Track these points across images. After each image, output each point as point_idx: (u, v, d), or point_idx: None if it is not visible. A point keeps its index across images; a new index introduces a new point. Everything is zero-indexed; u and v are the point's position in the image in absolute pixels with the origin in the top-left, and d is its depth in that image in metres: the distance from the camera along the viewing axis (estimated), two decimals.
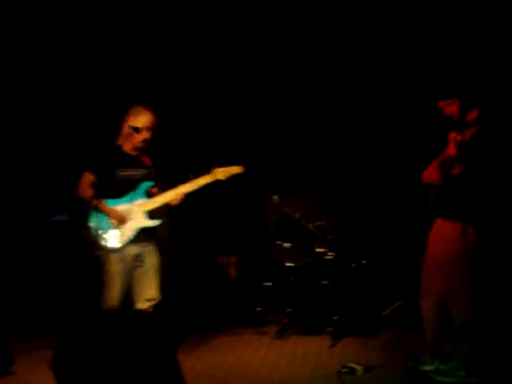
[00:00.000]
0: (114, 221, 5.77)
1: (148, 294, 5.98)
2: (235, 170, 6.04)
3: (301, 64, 8.74)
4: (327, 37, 8.34)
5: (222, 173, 5.97)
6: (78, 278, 7.74)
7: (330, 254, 7.34)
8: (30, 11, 7.61)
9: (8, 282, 7.92)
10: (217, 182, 6.08)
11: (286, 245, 7.60)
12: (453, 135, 5.53)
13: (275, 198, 7.83)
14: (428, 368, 5.56)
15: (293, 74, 8.84)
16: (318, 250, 7.41)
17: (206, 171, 5.99)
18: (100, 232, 5.81)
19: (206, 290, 8.42)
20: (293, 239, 7.58)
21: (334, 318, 6.91)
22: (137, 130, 5.88)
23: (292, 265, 7.45)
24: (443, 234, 5.54)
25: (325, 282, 7.20)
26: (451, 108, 5.55)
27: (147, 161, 6.13)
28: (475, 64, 7.19)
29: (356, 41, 8.28)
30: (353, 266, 7.27)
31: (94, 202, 5.74)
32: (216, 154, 6.07)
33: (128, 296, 5.99)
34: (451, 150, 5.45)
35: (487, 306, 5.61)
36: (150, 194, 6.04)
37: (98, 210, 5.74)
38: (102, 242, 5.80)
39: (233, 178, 6.04)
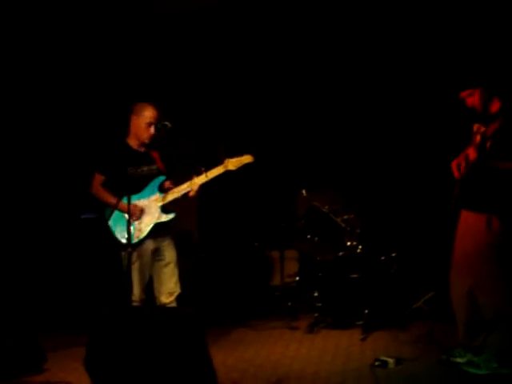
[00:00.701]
0: (134, 215, 5.80)
1: (169, 287, 6.05)
2: (246, 159, 5.99)
3: (324, 62, 8.75)
4: (350, 29, 8.31)
5: (233, 163, 5.95)
6: (107, 275, 7.78)
7: (359, 247, 7.31)
8: (32, 13, 7.65)
9: (39, 279, 7.99)
10: (246, 176, 6.06)
11: (316, 239, 7.60)
12: (476, 127, 5.52)
13: (303, 192, 7.81)
14: (460, 360, 5.52)
15: (317, 71, 8.83)
16: (347, 243, 7.39)
17: (217, 162, 5.99)
18: (118, 229, 5.88)
19: (237, 284, 8.46)
20: (322, 233, 7.58)
21: (365, 312, 6.89)
22: (148, 124, 5.96)
23: (322, 259, 7.43)
24: (469, 225, 5.52)
25: (355, 276, 7.18)
26: (473, 98, 5.52)
27: (156, 156, 6.18)
28: (498, 54, 7.14)
29: (377, 32, 8.23)
30: (382, 258, 7.24)
31: (113, 200, 5.79)
32: (216, 144, 6.04)
33: (149, 291, 6.06)
34: (471, 152, 5.44)
35: None
36: (163, 189, 6.07)
37: (117, 208, 5.77)
38: (120, 239, 5.86)
39: (261, 173, 6.03)
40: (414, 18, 7.94)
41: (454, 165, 5.67)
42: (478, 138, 5.48)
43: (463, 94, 5.57)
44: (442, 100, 7.55)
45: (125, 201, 5.61)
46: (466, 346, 5.55)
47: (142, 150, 6.10)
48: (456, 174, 5.61)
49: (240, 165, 5.98)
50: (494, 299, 5.40)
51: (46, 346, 6.39)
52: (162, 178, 6.10)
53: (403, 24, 8.03)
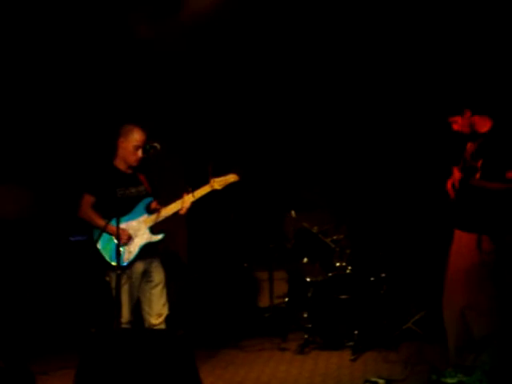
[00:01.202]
0: (122, 239, 5.79)
1: (158, 309, 6.04)
2: (231, 178, 6.02)
3: (314, 76, 8.77)
4: (334, 45, 8.34)
5: (218, 182, 5.97)
6: (96, 297, 7.76)
7: (348, 268, 7.32)
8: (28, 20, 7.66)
9: (29, 302, 7.96)
10: (235, 197, 6.07)
11: (305, 259, 7.62)
12: (469, 145, 5.56)
13: (292, 213, 7.83)
14: (450, 381, 5.50)
15: (304, 93, 8.88)
16: (337, 264, 7.40)
17: (204, 182, 6.01)
18: (107, 251, 5.86)
19: (226, 305, 8.46)
20: (311, 254, 7.59)
21: (355, 332, 6.89)
22: (135, 147, 5.96)
23: (311, 279, 7.44)
24: (461, 245, 5.53)
25: (344, 297, 7.18)
26: (457, 125, 5.57)
27: (142, 177, 6.20)
28: (483, 74, 7.20)
29: (366, 55, 8.28)
30: (372, 279, 7.24)
31: (102, 222, 5.77)
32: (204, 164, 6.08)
33: (137, 313, 6.05)
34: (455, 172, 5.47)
35: (509, 316, 5.57)
36: (150, 210, 6.07)
37: (106, 230, 5.75)
38: (109, 261, 5.84)
39: (251, 194, 6.03)
40: (399, 41, 8.01)
41: (449, 185, 5.69)
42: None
43: (450, 120, 5.62)
44: (431, 121, 7.59)
45: (113, 223, 5.61)
46: (456, 366, 5.54)
47: (129, 171, 6.11)
48: (452, 194, 5.63)
49: (226, 184, 6.01)
50: (486, 318, 5.41)
51: (35, 369, 6.33)
52: (149, 199, 6.11)
53: (392, 40, 8.08)
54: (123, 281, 5.71)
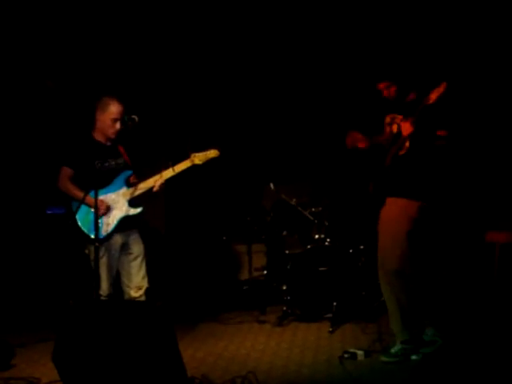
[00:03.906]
0: (100, 210, 5.73)
1: (137, 281, 6.06)
2: (212, 154, 6.00)
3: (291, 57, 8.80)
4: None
5: (199, 157, 5.96)
6: (74, 270, 7.73)
7: (327, 240, 7.32)
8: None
9: (6, 276, 7.91)
10: (213, 170, 6.06)
11: (284, 232, 7.62)
12: (390, 117, 5.59)
13: (271, 185, 7.81)
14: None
15: (281, 64, 8.88)
16: (315, 236, 7.40)
17: (184, 157, 5.99)
18: (85, 223, 5.83)
19: (205, 278, 8.46)
20: (290, 226, 7.59)
21: (334, 304, 6.90)
22: (113, 120, 5.92)
23: (290, 252, 7.44)
24: (389, 210, 5.59)
25: (323, 269, 7.19)
26: (388, 91, 5.60)
27: (121, 150, 6.17)
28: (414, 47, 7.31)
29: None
30: (350, 251, 7.25)
31: (80, 194, 5.72)
32: (182, 139, 6.08)
33: (116, 285, 6.05)
34: (404, 131, 5.48)
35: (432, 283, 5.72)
36: (129, 183, 6.05)
37: (84, 202, 5.70)
38: (88, 233, 5.80)
39: (228, 167, 6.02)
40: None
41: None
42: (395, 127, 5.55)
43: (381, 86, 5.64)
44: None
45: (92, 195, 5.57)
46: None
47: (108, 143, 6.06)
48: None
49: (206, 159, 5.98)
50: (412, 285, 5.53)
51: (13, 341, 6.35)
52: (128, 172, 6.08)
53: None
54: (101, 253, 5.67)
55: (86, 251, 5.89)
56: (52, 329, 5.08)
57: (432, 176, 5.54)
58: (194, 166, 5.99)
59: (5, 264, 7.98)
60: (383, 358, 5.54)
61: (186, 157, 5.98)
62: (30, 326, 7.43)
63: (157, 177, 5.96)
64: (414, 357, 5.48)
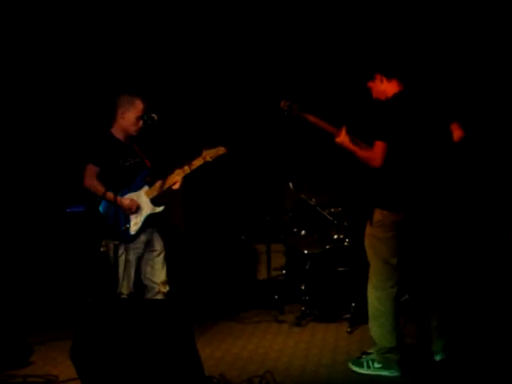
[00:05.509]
0: (131, 209, 5.81)
1: (163, 277, 6.13)
2: (220, 151, 6.03)
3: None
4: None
5: (210, 154, 5.99)
6: (93, 268, 7.74)
7: (346, 240, 7.30)
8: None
9: (26, 273, 7.94)
10: (233, 170, 6.06)
11: (303, 232, 7.60)
12: None
13: (290, 185, 7.79)
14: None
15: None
16: (334, 236, 7.38)
17: (197, 154, 6.02)
18: (115, 222, 5.83)
19: (224, 278, 8.46)
20: (309, 226, 7.57)
21: (352, 305, 6.89)
22: (138, 118, 5.95)
23: (309, 252, 7.42)
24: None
25: (342, 269, 7.17)
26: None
27: (137, 149, 6.21)
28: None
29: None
30: None
31: (110, 194, 5.70)
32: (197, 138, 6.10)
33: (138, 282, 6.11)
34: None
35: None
36: (148, 182, 6.09)
37: (114, 201, 5.70)
38: (118, 232, 5.82)
39: (248, 166, 6.00)
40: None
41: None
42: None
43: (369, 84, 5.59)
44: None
45: (119, 194, 5.63)
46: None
47: (127, 142, 6.09)
48: None
49: (216, 156, 6.02)
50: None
51: (32, 339, 6.40)
52: (146, 171, 6.14)
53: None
54: (129, 251, 5.80)
55: (102, 249, 5.92)
56: (70, 327, 5.10)
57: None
58: (205, 163, 6.02)
59: (24, 262, 8.01)
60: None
61: (197, 154, 6.02)
62: (49, 323, 7.45)
63: (173, 176, 6.01)
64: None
